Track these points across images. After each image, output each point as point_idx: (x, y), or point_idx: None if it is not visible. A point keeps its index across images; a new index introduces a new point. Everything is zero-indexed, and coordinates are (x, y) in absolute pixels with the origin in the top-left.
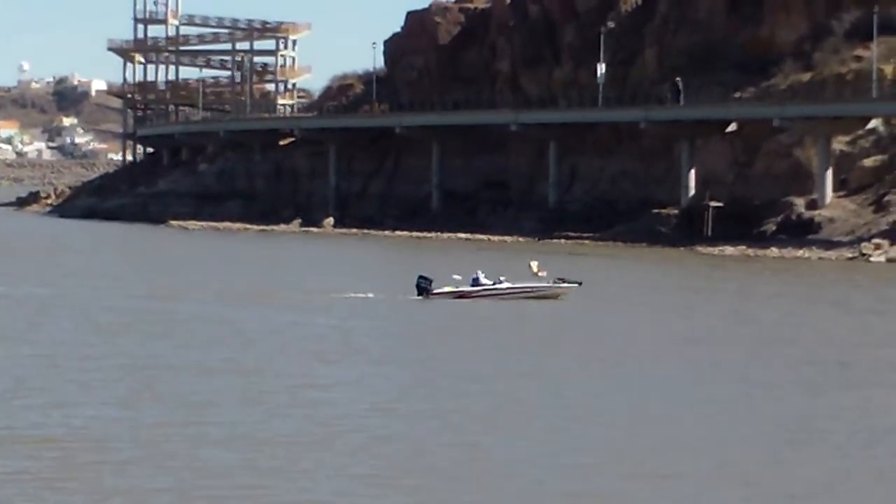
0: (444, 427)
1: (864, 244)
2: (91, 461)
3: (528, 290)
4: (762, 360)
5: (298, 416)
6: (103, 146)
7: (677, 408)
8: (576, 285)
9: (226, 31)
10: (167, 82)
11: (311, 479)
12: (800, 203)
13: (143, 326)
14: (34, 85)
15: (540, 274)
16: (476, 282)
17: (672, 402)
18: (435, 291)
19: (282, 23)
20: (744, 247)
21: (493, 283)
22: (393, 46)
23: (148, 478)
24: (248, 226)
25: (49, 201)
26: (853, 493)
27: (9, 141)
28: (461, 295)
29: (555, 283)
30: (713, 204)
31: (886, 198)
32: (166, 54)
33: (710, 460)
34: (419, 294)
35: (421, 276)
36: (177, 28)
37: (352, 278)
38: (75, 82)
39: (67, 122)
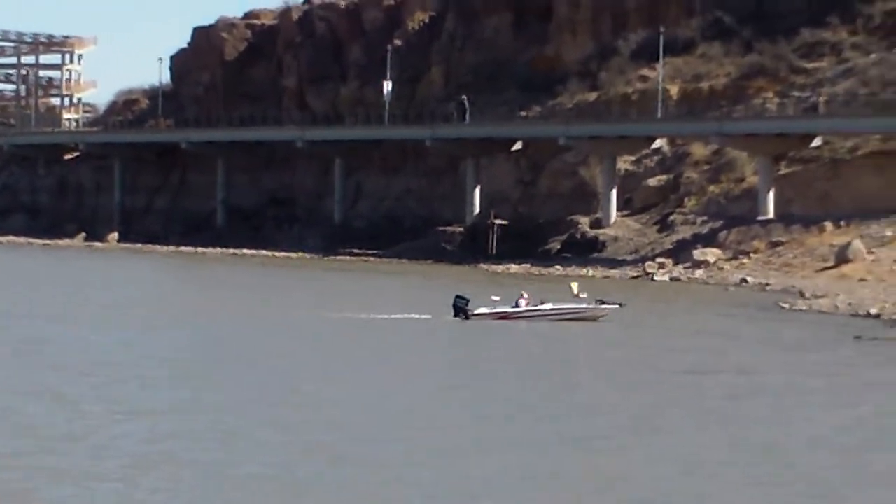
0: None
1: (648, 263)
2: None
3: (570, 311)
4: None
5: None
6: None
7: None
8: (616, 306)
9: (11, 44)
10: None
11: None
12: (584, 222)
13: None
14: None
15: (580, 295)
16: (518, 304)
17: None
18: (475, 312)
19: (67, 37)
20: (528, 265)
21: (535, 305)
22: (179, 62)
23: None
24: (32, 240)
25: None
26: None
27: None
28: (503, 316)
29: (595, 304)
30: (498, 222)
31: (670, 217)
32: None
33: None
34: (456, 315)
35: (458, 296)
36: None
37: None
38: None
39: None
